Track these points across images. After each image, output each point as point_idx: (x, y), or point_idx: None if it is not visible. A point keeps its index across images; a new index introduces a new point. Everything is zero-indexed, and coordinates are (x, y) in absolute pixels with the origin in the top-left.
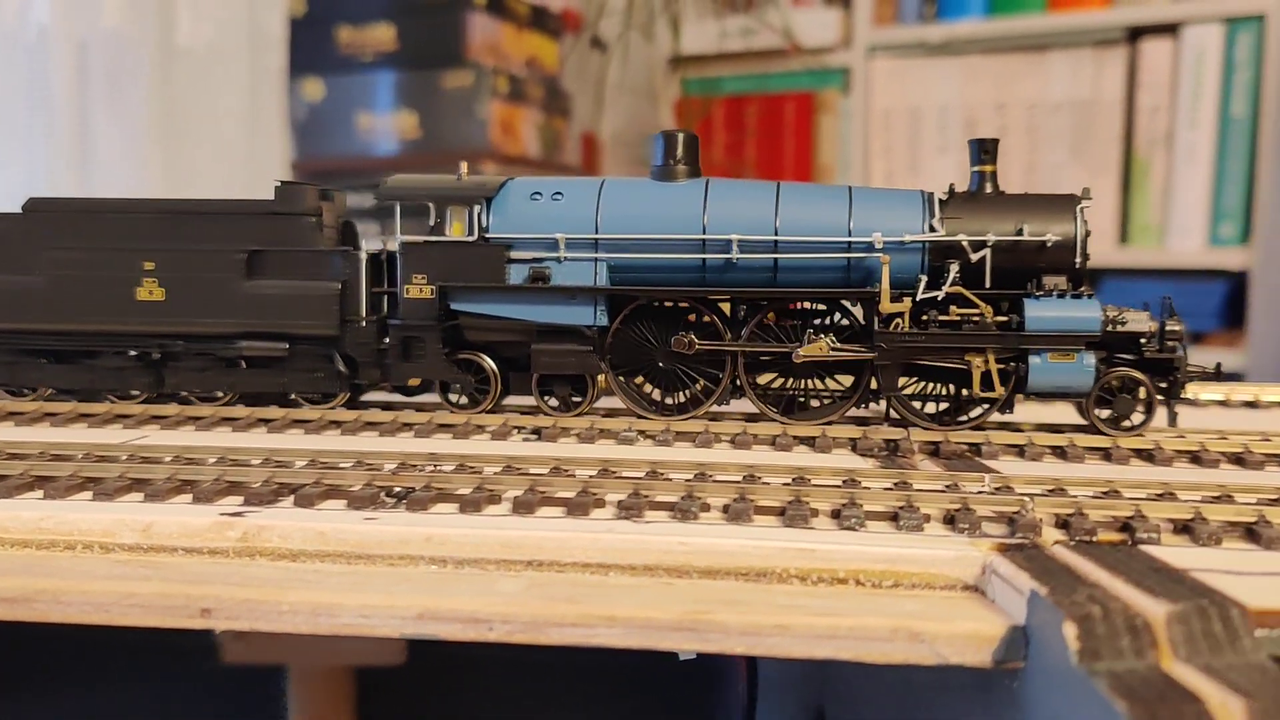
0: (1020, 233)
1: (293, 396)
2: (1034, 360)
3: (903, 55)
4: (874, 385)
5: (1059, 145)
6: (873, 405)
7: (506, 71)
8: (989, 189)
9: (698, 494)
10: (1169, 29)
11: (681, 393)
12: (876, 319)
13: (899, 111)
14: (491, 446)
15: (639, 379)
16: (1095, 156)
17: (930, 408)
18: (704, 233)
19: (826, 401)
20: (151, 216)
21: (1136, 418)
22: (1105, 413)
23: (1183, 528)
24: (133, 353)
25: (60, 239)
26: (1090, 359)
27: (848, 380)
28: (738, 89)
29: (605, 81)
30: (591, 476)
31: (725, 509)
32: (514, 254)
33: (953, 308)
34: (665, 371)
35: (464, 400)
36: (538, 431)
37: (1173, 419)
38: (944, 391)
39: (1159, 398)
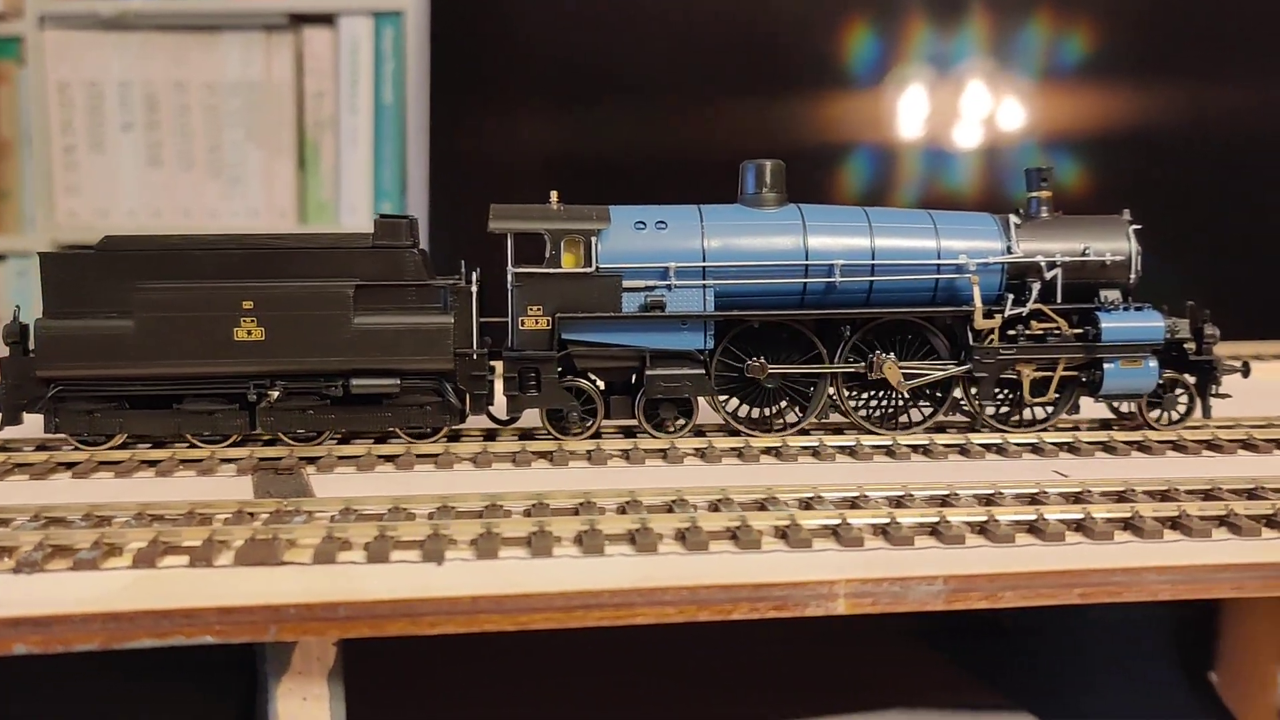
0: (1086, 252)
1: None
2: (1108, 367)
3: (77, 27)
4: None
5: (238, 125)
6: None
7: None
8: (1045, 213)
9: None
10: (327, 19)
11: (776, 409)
12: (971, 334)
13: (77, 85)
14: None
15: (735, 399)
16: (273, 137)
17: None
18: (806, 259)
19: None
20: (247, 253)
21: (1179, 412)
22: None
23: None
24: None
25: (149, 279)
26: (1154, 363)
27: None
28: None
29: None
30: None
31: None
32: (627, 283)
33: (1033, 322)
34: (765, 390)
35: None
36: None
37: (1207, 411)
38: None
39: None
